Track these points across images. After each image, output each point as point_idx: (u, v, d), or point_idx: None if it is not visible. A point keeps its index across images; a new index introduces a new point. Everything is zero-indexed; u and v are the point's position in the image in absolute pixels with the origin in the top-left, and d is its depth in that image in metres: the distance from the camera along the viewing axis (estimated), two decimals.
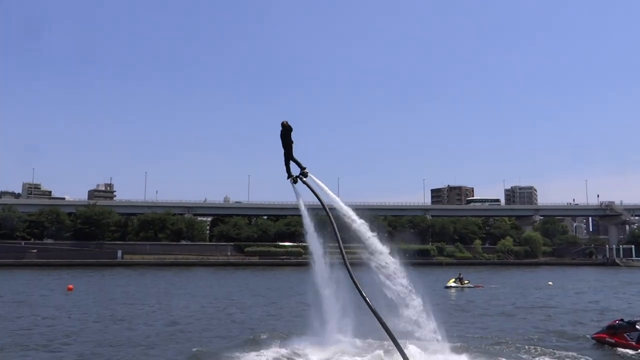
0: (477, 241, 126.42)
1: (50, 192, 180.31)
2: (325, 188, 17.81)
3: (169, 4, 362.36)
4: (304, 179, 17.54)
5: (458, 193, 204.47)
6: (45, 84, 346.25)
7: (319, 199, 17.22)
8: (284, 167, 17.84)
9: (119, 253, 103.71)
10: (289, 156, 17.73)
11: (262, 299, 37.96)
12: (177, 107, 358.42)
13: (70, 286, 46.28)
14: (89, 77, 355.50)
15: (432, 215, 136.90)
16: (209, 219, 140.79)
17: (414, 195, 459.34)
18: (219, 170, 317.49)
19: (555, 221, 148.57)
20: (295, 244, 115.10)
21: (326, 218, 17.44)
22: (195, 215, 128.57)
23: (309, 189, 17.50)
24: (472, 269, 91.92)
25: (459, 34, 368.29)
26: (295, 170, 17.81)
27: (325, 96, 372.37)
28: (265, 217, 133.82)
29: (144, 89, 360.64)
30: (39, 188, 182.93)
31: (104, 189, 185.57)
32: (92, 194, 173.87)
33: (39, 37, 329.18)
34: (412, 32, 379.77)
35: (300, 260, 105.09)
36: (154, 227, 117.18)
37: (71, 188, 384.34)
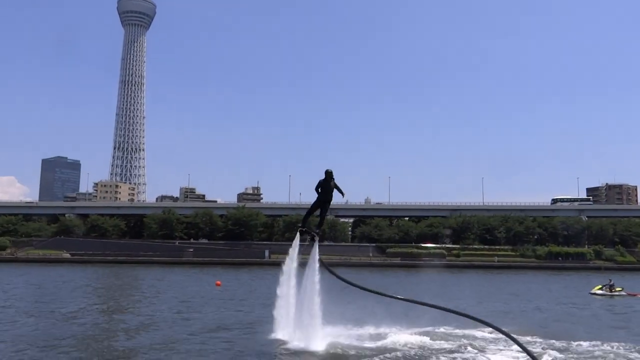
0: None
1: (204, 195, 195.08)
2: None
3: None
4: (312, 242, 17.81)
5: (619, 192, 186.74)
6: (199, 97, 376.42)
7: (322, 263, 17.96)
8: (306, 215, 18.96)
9: (267, 253, 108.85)
10: (322, 211, 18.19)
11: None
12: (318, 114, 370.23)
13: (218, 282, 49.66)
14: (241, 92, 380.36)
15: (587, 216, 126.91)
16: (351, 220, 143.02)
17: (567, 194, 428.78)
18: (360, 171, 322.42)
19: None
20: (438, 245, 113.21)
21: None
22: (337, 216, 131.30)
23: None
24: (635, 274, 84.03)
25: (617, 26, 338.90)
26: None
27: (467, 95, 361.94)
28: (407, 218, 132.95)
29: (285, 99, 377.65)
30: (194, 192, 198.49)
31: (251, 192, 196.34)
32: (241, 197, 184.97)
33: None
34: (567, 31, 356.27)
35: (444, 262, 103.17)
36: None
37: (222, 192, 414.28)
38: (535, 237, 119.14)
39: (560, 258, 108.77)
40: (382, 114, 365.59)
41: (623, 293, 43.16)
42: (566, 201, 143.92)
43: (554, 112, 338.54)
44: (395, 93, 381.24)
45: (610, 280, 45.04)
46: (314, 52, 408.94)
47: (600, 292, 43.21)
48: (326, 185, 17.65)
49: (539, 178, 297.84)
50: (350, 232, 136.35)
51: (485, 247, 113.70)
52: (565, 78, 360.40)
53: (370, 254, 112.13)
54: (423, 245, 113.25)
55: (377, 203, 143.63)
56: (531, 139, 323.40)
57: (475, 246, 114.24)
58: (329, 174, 17.59)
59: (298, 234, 18.08)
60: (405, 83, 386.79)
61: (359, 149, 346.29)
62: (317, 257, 17.50)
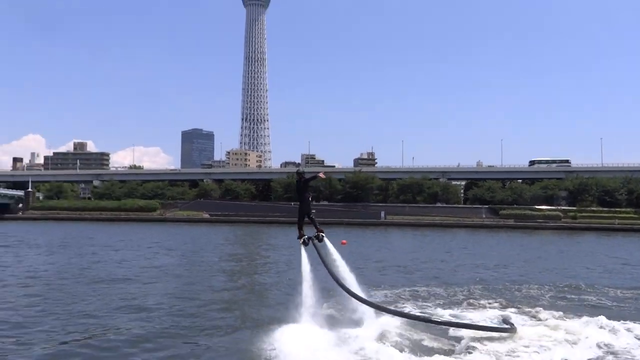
0: None
1: (323, 161, 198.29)
2: (335, 252, 14.79)
3: None
4: (318, 242, 14.57)
5: None
6: (315, 69, 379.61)
7: (325, 264, 14.27)
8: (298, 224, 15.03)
9: (382, 214, 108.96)
10: (304, 211, 14.67)
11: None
12: (429, 81, 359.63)
13: (344, 241, 50.19)
14: (353, 62, 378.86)
15: None
16: (463, 182, 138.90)
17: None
18: (471, 135, 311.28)
19: None
20: (553, 207, 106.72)
21: None
22: (449, 179, 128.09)
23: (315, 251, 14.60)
24: None
25: None
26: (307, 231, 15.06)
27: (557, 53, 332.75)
28: (520, 180, 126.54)
29: (396, 68, 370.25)
30: (314, 158, 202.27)
31: (366, 157, 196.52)
32: (357, 161, 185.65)
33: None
34: None
35: (559, 224, 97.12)
36: (412, 191, 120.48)
37: (339, 157, 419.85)
38: None
39: None
40: (491, 75, 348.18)
41: None
42: (544, 163, 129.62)
43: None
44: (511, 52, 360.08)
45: None
46: (424, 21, 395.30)
47: None
48: (302, 185, 14.97)
49: None
50: (462, 195, 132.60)
51: (605, 209, 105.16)
52: None
53: (483, 215, 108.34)
54: (537, 207, 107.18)
55: (489, 166, 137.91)
56: None
57: (594, 208, 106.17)
58: (298, 175, 15.08)
59: (302, 247, 14.78)
60: (514, 42, 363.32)
61: (471, 112, 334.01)
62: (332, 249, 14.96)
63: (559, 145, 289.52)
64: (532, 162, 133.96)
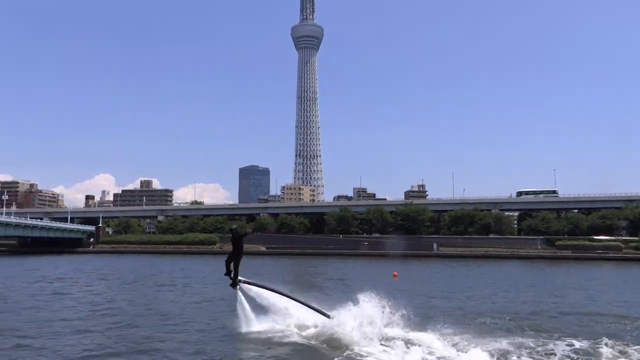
0: None
1: (374, 194, 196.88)
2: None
3: None
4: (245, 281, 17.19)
5: None
6: (365, 106, 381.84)
7: (265, 287, 17.32)
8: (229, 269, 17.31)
9: (435, 245, 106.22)
10: (238, 258, 17.12)
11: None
12: (477, 113, 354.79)
13: (395, 273, 48.80)
14: (401, 99, 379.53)
15: None
16: (516, 213, 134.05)
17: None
18: (524, 165, 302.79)
19: None
20: (613, 237, 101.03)
21: None
22: (502, 210, 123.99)
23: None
24: None
25: None
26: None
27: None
28: (576, 210, 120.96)
29: (447, 102, 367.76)
30: (365, 191, 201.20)
31: (417, 189, 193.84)
32: (408, 194, 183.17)
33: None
34: None
35: (621, 255, 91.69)
36: (464, 222, 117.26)
37: (390, 190, 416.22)
38: None
39: None
40: (544, 105, 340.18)
41: None
42: (531, 193, 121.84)
43: None
44: (567, 83, 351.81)
45: None
46: (473, 57, 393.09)
47: None
48: (237, 240, 17.50)
49: None
50: (515, 226, 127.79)
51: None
52: None
53: (539, 247, 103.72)
54: (596, 237, 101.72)
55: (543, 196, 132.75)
56: None
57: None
58: (234, 232, 17.83)
59: (239, 293, 17.13)
60: (558, 75, 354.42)
61: (523, 143, 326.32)
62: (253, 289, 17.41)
63: (615, 174, 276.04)
64: (519, 193, 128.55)
